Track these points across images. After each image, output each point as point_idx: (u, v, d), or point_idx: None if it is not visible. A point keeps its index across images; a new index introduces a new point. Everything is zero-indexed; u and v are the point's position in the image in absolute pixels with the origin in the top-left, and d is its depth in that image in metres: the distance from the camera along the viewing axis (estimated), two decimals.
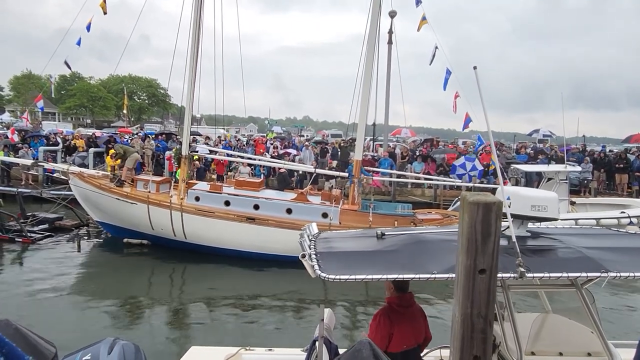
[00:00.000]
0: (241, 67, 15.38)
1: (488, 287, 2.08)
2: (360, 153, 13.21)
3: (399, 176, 17.89)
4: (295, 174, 18.73)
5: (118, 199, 12.60)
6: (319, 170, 14.96)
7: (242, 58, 15.26)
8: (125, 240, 12.99)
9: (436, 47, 13.62)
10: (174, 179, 14.23)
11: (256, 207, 12.01)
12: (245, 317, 8.46)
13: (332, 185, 18.55)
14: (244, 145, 23.98)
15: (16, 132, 18.90)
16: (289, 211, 11.85)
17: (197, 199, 12.34)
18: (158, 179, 13.59)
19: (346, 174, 13.96)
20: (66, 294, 9.27)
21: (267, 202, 12.13)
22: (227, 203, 12.14)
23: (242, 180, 13.61)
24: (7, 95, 65.75)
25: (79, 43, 14.49)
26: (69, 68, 15.85)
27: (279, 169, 17.15)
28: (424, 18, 13.74)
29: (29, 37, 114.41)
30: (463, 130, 15.61)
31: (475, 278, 2.06)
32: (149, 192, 12.49)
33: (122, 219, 12.93)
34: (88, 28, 14.37)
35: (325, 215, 11.62)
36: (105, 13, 14.34)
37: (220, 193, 12.40)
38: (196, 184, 13.45)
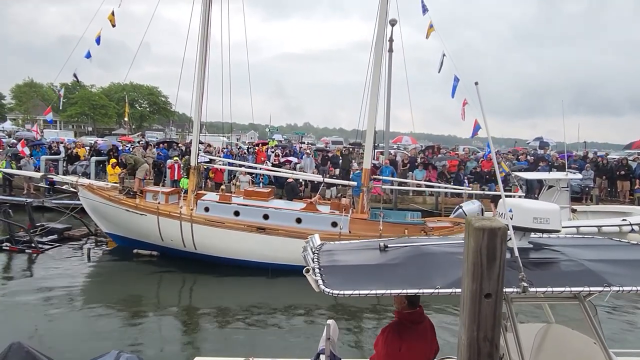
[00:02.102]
0: (249, 76, 15.53)
1: (494, 311, 2.10)
2: (369, 161, 13.22)
3: (406, 184, 17.90)
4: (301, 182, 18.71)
5: (127, 210, 12.64)
6: (327, 180, 14.94)
7: (249, 67, 15.45)
8: (135, 251, 13.04)
9: (444, 55, 13.65)
10: (183, 190, 14.25)
11: (266, 217, 12.04)
12: (251, 327, 8.51)
13: (332, 194, 18.54)
14: (245, 153, 24.02)
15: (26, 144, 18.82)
16: (298, 221, 11.86)
17: (207, 209, 12.37)
18: (167, 189, 13.70)
19: (354, 183, 13.89)
20: (75, 304, 9.37)
21: (277, 211, 12.15)
22: (236, 213, 12.18)
23: (251, 190, 13.65)
24: (9, 103, 65.99)
25: (88, 56, 14.59)
26: (77, 80, 16.02)
27: (287, 178, 17.08)
28: (431, 26, 13.76)
29: (31, 45, 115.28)
30: (472, 137, 15.66)
31: (481, 302, 2.08)
32: (159, 203, 12.54)
33: (131, 230, 12.97)
34: (98, 41, 14.44)
35: (334, 224, 11.65)
36: (113, 26, 14.48)
37: (230, 203, 12.43)
38: (205, 194, 13.48)
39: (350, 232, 11.47)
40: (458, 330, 2.28)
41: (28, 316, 8.57)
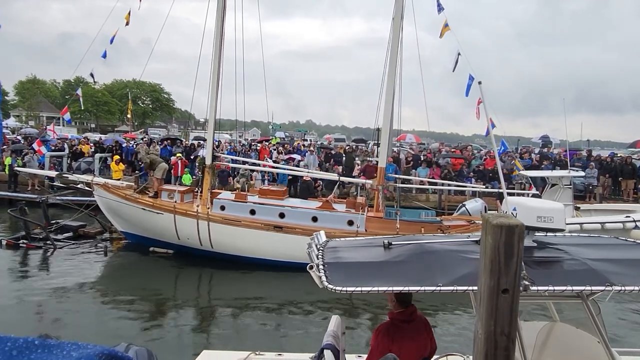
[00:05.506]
0: (264, 74, 15.66)
1: (511, 306, 2.16)
2: (384, 159, 13.22)
3: (410, 182, 17.93)
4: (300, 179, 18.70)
5: (144, 209, 12.70)
6: (343, 178, 14.91)
7: (264, 66, 15.66)
8: (151, 249, 13.14)
9: (459, 54, 13.62)
10: (199, 188, 14.27)
11: (282, 215, 12.10)
12: (261, 323, 8.64)
13: (336, 192, 18.52)
14: (248, 150, 24.06)
15: (43, 144, 18.88)
16: (314, 219, 11.91)
17: (223, 208, 12.42)
18: (182, 188, 13.79)
19: (369, 182, 13.74)
20: (90, 299, 9.57)
21: (293, 210, 12.22)
22: (252, 212, 12.23)
23: (266, 189, 13.74)
24: (12, 100, 66.06)
25: (104, 56, 14.86)
26: (94, 80, 16.38)
27: (302, 177, 16.94)
28: (446, 25, 13.73)
29: (32, 42, 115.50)
30: (486, 135, 15.69)
31: (498, 298, 2.14)
32: (175, 202, 12.59)
33: (147, 229, 13.04)
34: (111, 40, 14.71)
35: (351, 223, 11.69)
36: (127, 24, 14.79)
37: (246, 202, 12.49)
38: (220, 193, 13.52)
39: (366, 230, 11.50)
40: (474, 325, 2.33)
41: (45, 310, 8.84)
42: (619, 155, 23.58)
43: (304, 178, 16.30)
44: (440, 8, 13.70)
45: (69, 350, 0.95)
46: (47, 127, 29.73)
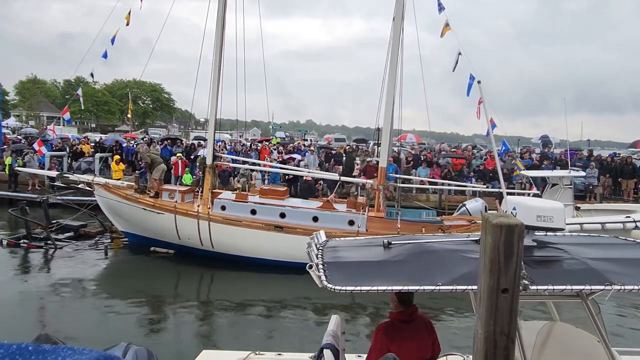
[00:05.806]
0: (264, 74, 15.65)
1: (511, 306, 2.16)
2: (385, 159, 13.21)
3: (410, 181, 17.94)
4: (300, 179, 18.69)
5: (144, 209, 12.71)
6: (344, 178, 14.92)
7: (264, 65, 15.67)
8: (151, 249, 13.15)
9: (459, 53, 13.60)
10: (200, 188, 14.27)
11: (282, 215, 12.10)
12: (262, 322, 8.65)
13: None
14: (248, 150, 24.05)
15: (43, 144, 18.89)
16: (315, 219, 11.91)
17: (223, 208, 12.42)
18: (183, 188, 13.81)
19: (370, 181, 13.72)
20: (90, 298, 9.59)
21: (294, 210, 12.22)
22: (253, 212, 12.23)
23: (267, 188, 13.74)
24: (12, 100, 66.07)
25: (105, 56, 14.92)
26: (93, 79, 16.46)
27: (304, 177, 16.91)
28: (447, 24, 13.70)
29: (32, 42, 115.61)
30: (487, 135, 15.70)
31: (498, 297, 2.14)
32: (176, 201, 12.60)
33: (147, 229, 13.05)
34: (112, 41, 14.74)
35: (351, 222, 11.69)
36: (127, 24, 14.83)
37: (247, 202, 12.49)
38: (220, 193, 13.52)
39: (367, 230, 11.50)
40: (474, 325, 2.33)
41: (46, 309, 8.90)
42: (619, 155, 23.58)
43: (305, 178, 16.27)
44: (441, 8, 13.66)
45: (63, 356, 0.93)
46: (48, 126, 29.75)
